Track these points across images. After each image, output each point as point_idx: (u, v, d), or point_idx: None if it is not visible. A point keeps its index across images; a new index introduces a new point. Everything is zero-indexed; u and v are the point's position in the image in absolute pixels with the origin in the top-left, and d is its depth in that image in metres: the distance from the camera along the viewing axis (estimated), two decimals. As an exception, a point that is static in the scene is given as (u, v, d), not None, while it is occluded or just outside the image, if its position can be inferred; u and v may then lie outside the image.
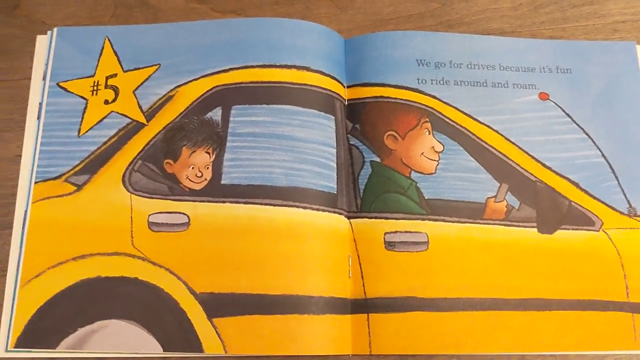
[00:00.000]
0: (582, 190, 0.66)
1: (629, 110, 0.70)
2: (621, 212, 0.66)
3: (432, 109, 0.68)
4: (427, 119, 0.67)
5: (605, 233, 0.65)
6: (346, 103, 0.68)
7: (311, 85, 0.66)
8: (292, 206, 0.62)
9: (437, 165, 0.66)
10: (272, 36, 0.68)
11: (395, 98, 0.68)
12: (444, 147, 0.66)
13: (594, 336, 0.61)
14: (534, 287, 0.63)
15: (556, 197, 0.66)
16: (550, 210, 0.65)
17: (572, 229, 0.65)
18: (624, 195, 0.66)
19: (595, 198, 0.66)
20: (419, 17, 0.74)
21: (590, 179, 0.67)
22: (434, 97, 0.68)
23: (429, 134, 0.67)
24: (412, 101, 0.68)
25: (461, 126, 0.67)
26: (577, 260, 0.64)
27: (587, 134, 0.68)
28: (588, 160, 0.67)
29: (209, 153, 0.65)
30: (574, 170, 0.67)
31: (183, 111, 0.66)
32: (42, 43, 0.71)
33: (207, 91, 0.67)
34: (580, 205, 0.66)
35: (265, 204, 0.63)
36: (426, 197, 0.65)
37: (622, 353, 0.62)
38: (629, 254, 0.64)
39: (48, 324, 0.60)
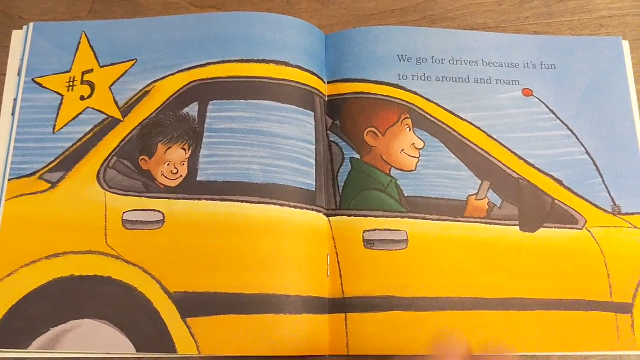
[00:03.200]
0: (566, 188, 0.65)
1: (615, 106, 0.69)
2: (605, 211, 0.65)
3: (413, 105, 0.66)
4: (408, 116, 0.66)
5: (589, 232, 0.64)
6: (327, 99, 0.67)
7: (290, 81, 0.65)
8: (269, 203, 0.61)
9: (418, 162, 0.65)
10: (250, 31, 0.66)
11: (376, 94, 0.66)
12: (424, 143, 0.65)
13: (576, 336, 0.60)
14: (515, 287, 0.61)
15: (539, 195, 0.65)
16: (533, 208, 0.64)
17: (555, 228, 0.64)
18: (609, 193, 0.65)
19: (579, 196, 0.65)
20: (401, 12, 0.73)
21: (574, 177, 0.66)
22: (415, 93, 0.67)
23: (410, 130, 0.66)
24: (393, 97, 0.66)
25: (442, 123, 0.66)
26: (559, 259, 0.63)
27: (571, 130, 0.67)
28: (572, 158, 0.66)
29: (184, 149, 0.64)
30: (557, 167, 0.66)
31: (159, 107, 0.65)
32: (17, 38, 0.70)
33: (184, 86, 0.66)
34: (563, 204, 0.65)
35: (242, 201, 0.61)
36: (406, 195, 0.63)
37: (605, 354, 0.61)
38: (612, 253, 0.63)
39: (20, 324, 0.59)
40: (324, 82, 0.67)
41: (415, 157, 0.65)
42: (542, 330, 0.60)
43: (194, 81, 0.66)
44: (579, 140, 0.67)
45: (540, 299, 0.61)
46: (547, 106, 0.68)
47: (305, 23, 0.68)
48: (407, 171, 0.64)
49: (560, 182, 0.65)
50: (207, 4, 0.73)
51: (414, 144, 0.65)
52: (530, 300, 0.61)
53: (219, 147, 0.63)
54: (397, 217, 0.63)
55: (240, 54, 0.66)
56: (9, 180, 0.64)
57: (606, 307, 0.61)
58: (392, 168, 0.64)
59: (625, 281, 0.62)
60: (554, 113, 0.68)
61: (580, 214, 0.64)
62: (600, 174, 0.66)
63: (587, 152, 0.67)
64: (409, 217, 0.63)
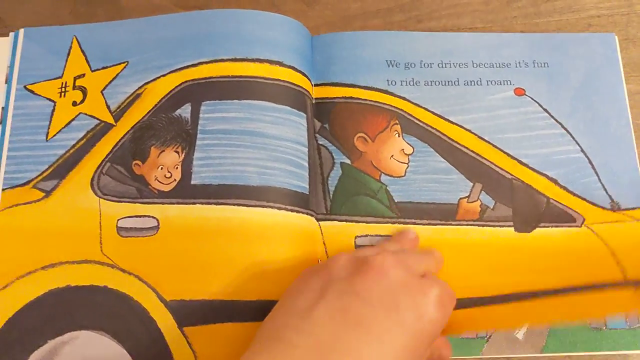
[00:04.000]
0: (561, 186, 0.65)
1: (609, 103, 0.68)
2: (604, 208, 0.64)
3: (402, 110, 0.66)
4: (397, 121, 0.66)
5: (589, 228, 0.63)
6: (314, 101, 0.67)
7: (283, 81, 0.64)
8: (266, 206, 0.60)
9: (407, 168, 0.65)
10: (242, 28, 0.65)
11: (365, 99, 0.66)
12: (414, 149, 0.65)
13: (597, 306, 0.59)
14: (515, 282, 0.60)
15: (533, 195, 0.64)
16: (527, 208, 0.64)
17: (552, 227, 0.63)
18: (605, 190, 0.65)
19: (575, 194, 0.64)
20: (387, 12, 0.73)
21: (569, 175, 0.65)
22: (403, 98, 0.67)
23: (399, 136, 0.65)
24: (381, 103, 0.66)
25: (431, 127, 0.66)
26: (560, 253, 0.61)
27: (565, 128, 0.67)
28: (567, 156, 0.66)
29: (177, 152, 0.63)
30: (552, 166, 0.65)
31: (151, 109, 0.65)
32: (3, 45, 0.69)
33: (176, 87, 0.65)
34: (559, 202, 0.64)
35: (238, 205, 0.61)
36: (396, 201, 0.63)
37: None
38: (617, 242, 0.61)
39: (16, 337, 0.58)
40: (312, 84, 0.67)
41: (404, 163, 0.65)
42: (556, 310, 0.59)
43: (186, 81, 0.65)
44: (573, 138, 0.66)
45: (545, 290, 0.60)
46: (540, 105, 0.67)
47: (295, 21, 0.67)
48: (397, 177, 0.64)
49: (555, 181, 0.65)
50: (191, 5, 0.73)
51: (403, 149, 0.65)
52: (534, 292, 0.60)
53: (213, 149, 0.63)
54: (387, 222, 0.62)
55: (233, 53, 0.65)
56: (3, 190, 0.63)
57: (622, 285, 0.59)
58: (382, 174, 0.64)
59: (637, 262, 0.60)
60: (547, 111, 0.67)
61: (577, 212, 0.63)
62: (596, 172, 0.65)
63: (582, 150, 0.66)
64: (400, 223, 0.62)
